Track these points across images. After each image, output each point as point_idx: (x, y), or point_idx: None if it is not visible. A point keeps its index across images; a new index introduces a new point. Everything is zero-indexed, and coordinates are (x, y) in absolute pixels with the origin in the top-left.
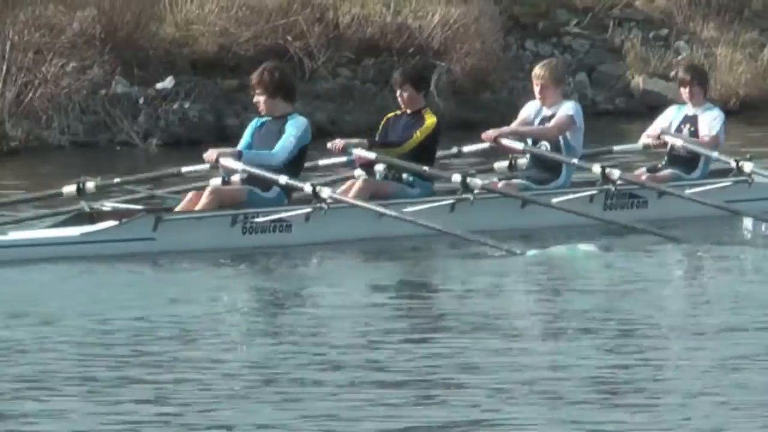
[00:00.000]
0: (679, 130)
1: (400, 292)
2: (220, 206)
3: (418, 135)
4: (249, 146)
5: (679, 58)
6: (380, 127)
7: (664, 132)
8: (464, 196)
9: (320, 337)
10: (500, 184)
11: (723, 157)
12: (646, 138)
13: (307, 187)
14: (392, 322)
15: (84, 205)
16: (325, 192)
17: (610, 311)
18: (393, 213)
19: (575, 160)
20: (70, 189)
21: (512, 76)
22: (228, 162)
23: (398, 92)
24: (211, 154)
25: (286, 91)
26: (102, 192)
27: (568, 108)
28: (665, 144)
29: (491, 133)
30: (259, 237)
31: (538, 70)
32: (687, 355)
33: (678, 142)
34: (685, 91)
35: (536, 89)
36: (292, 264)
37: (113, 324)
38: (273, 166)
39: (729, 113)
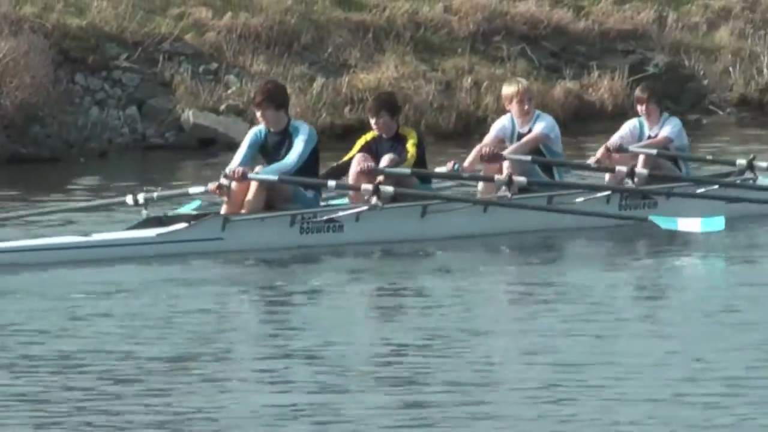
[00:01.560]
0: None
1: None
2: (267, 201)
3: (412, 150)
4: (249, 159)
5: (229, 92)
6: (357, 150)
7: (621, 147)
8: (504, 194)
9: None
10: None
11: (727, 157)
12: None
13: (367, 187)
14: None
15: (144, 213)
16: (388, 189)
17: None
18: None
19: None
20: (124, 199)
21: (62, 110)
22: (262, 176)
23: (374, 120)
24: (237, 173)
25: (288, 104)
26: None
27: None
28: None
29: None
30: (315, 236)
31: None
32: None
33: (640, 150)
34: (642, 108)
35: (523, 106)
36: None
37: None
38: (290, 173)
39: None
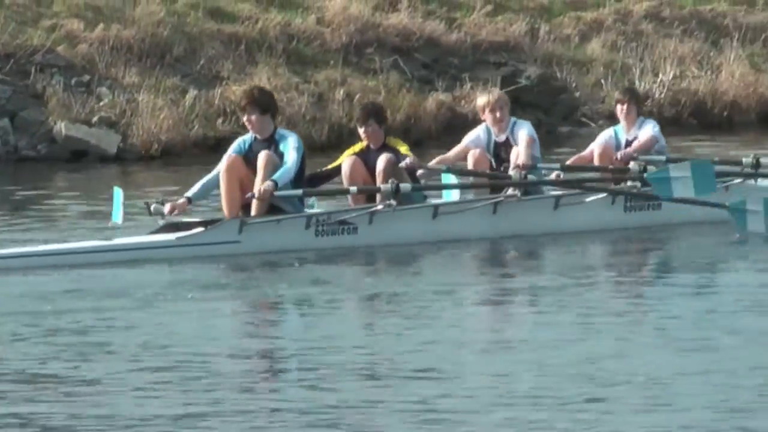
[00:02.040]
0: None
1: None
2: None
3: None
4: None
5: (101, 104)
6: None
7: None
8: (512, 193)
9: None
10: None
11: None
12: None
13: (387, 187)
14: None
15: (160, 222)
16: (407, 187)
17: None
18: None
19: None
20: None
21: None
22: (287, 192)
23: (362, 129)
24: (267, 191)
25: (275, 109)
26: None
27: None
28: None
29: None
30: (329, 239)
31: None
32: None
33: (630, 155)
34: (622, 108)
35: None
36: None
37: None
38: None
39: (152, 158)
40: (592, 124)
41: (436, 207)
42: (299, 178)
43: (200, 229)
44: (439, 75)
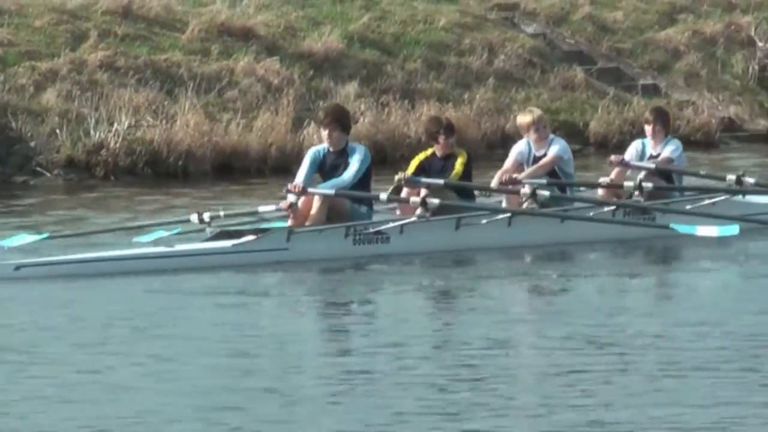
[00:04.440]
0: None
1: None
2: (328, 216)
3: (458, 169)
4: (309, 176)
5: None
6: (415, 167)
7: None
8: (528, 207)
9: None
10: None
11: (717, 174)
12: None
13: (415, 199)
14: None
15: (208, 229)
16: (435, 201)
17: None
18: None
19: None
20: (193, 217)
21: None
22: (320, 190)
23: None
24: (298, 186)
25: (350, 128)
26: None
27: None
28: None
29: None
30: (365, 247)
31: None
32: None
33: (642, 166)
34: (649, 128)
35: (539, 133)
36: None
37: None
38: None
39: None
40: (48, 174)
41: (458, 219)
42: (365, 188)
43: (252, 237)
44: None
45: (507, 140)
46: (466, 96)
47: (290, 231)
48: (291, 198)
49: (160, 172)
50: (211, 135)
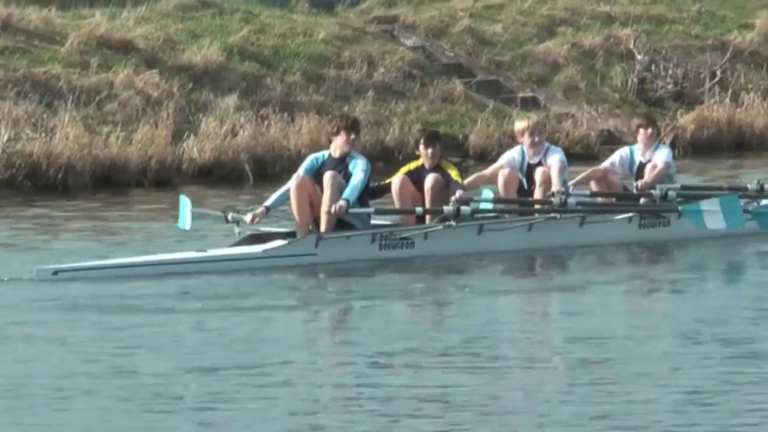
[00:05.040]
0: (638, 176)
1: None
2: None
3: (456, 177)
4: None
5: None
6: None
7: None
8: (552, 214)
9: None
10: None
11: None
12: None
13: (449, 209)
14: None
15: (236, 231)
16: (467, 209)
17: None
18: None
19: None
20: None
21: None
22: (361, 210)
23: (429, 150)
24: (342, 209)
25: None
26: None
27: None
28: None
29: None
30: (390, 252)
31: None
32: None
33: (648, 185)
34: (645, 132)
35: (534, 139)
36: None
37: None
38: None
39: None
40: None
41: (481, 225)
42: (364, 197)
43: (282, 241)
44: None
45: (387, 153)
46: (345, 108)
47: (319, 237)
48: (257, 211)
49: (39, 185)
50: (90, 147)
